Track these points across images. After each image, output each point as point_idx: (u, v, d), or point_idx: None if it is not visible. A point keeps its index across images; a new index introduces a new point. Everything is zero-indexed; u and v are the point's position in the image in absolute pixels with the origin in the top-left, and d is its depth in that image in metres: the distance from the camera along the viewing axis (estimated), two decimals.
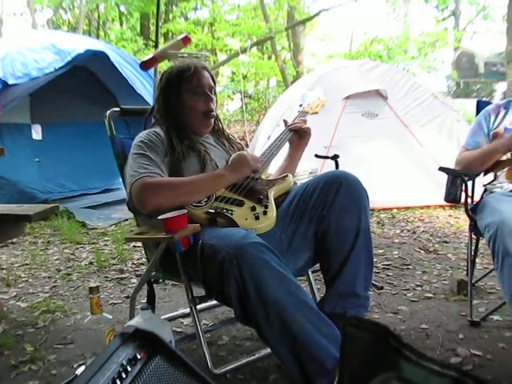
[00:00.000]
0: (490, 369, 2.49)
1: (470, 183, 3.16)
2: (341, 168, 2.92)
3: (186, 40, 3.70)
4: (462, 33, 24.64)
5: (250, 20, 17.14)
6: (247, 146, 8.18)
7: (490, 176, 3.08)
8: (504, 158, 2.98)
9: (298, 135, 2.72)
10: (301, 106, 2.95)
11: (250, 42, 16.83)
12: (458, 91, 19.95)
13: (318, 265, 2.51)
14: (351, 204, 2.33)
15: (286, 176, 2.59)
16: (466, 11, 27.46)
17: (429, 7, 28.22)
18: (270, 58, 19.34)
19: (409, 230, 5.24)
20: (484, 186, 3.11)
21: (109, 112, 2.71)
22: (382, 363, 1.10)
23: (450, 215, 5.83)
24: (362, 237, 2.34)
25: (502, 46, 10.21)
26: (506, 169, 3.01)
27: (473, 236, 3.13)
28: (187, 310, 2.33)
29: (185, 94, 2.57)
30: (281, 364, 2.07)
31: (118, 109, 2.78)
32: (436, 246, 4.70)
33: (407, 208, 6.02)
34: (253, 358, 2.46)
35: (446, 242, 4.85)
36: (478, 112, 3.35)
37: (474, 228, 2.95)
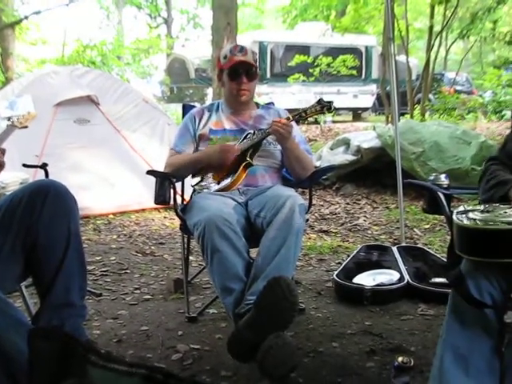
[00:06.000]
0: (209, 359, 2.62)
1: (179, 184, 3.27)
2: (52, 177, 2.81)
3: None
4: (174, 40, 25.51)
5: None
6: None
7: (198, 177, 3.20)
8: None
9: None
10: (9, 119, 2.79)
11: None
12: (172, 96, 20.56)
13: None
14: (59, 212, 2.28)
15: None
16: (178, 19, 28.59)
17: (142, 14, 28.86)
18: None
19: (125, 235, 5.23)
20: (192, 186, 3.23)
21: None
22: (69, 371, 1.08)
23: (165, 217, 5.94)
24: (73, 245, 2.30)
25: (210, 53, 10.83)
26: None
27: (185, 236, 3.24)
28: None
29: None
30: None
31: None
32: (152, 248, 4.78)
33: (123, 213, 5.99)
34: None
35: (161, 243, 4.95)
36: (184, 115, 3.45)
37: (184, 228, 3.02)
